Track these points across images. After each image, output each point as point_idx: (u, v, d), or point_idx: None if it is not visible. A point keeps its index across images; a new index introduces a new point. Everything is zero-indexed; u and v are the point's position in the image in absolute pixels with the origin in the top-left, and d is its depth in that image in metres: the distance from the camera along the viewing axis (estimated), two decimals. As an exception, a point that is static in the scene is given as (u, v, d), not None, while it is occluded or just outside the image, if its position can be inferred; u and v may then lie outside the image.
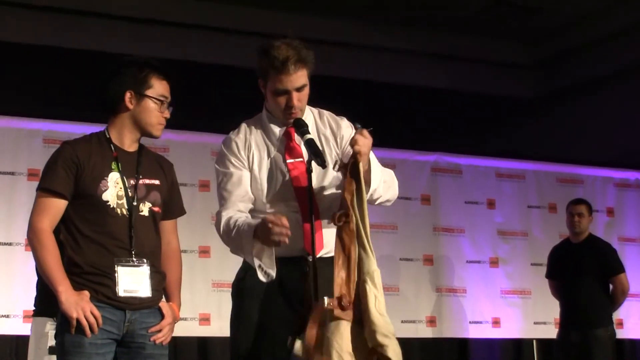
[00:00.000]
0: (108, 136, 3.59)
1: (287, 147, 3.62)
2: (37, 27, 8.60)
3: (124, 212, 3.51)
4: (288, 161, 3.60)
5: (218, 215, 3.61)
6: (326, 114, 3.74)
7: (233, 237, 3.48)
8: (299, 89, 3.54)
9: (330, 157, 3.63)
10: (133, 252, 3.51)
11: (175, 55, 8.99)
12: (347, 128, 3.70)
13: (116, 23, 8.88)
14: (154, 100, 3.57)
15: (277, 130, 3.64)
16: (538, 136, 10.55)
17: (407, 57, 9.99)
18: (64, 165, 3.51)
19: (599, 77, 10.04)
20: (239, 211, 3.58)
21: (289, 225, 3.31)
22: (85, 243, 3.48)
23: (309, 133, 3.52)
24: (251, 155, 3.64)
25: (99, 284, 3.45)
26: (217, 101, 8.65)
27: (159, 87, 3.58)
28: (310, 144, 3.47)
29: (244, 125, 3.73)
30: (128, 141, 3.61)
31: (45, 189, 3.50)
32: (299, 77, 3.52)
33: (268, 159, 3.63)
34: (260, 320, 3.57)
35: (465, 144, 9.41)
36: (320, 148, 3.57)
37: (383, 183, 3.59)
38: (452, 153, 8.54)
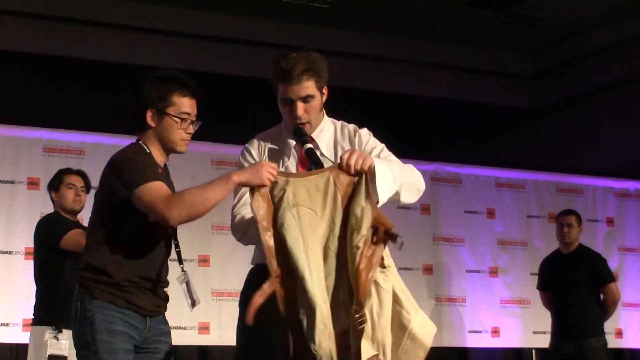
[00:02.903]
0: (149, 151, 3.57)
1: (300, 160, 3.61)
2: (38, 36, 8.62)
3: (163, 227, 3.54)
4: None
5: (233, 213, 3.60)
6: (349, 127, 3.71)
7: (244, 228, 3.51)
8: (304, 100, 3.52)
9: None
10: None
11: (177, 65, 8.99)
12: (365, 135, 3.68)
13: (118, 32, 8.91)
14: (174, 118, 3.54)
15: (292, 142, 3.63)
16: (538, 146, 10.57)
17: (408, 66, 10.01)
18: (149, 166, 3.44)
19: (599, 88, 10.06)
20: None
21: None
22: (133, 255, 3.47)
23: (309, 142, 3.51)
24: (265, 159, 3.66)
25: (132, 294, 3.47)
26: (218, 111, 8.64)
27: (180, 104, 3.55)
28: (310, 152, 3.46)
29: (256, 138, 3.74)
30: (160, 157, 3.61)
31: (151, 180, 3.34)
32: (304, 88, 3.50)
33: (279, 163, 3.63)
34: (258, 328, 3.57)
35: (466, 153, 9.42)
36: (333, 159, 3.57)
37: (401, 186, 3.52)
38: (452, 162, 8.54)
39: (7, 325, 6.69)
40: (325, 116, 3.71)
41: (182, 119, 3.56)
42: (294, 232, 3.20)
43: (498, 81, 10.61)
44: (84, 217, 5.40)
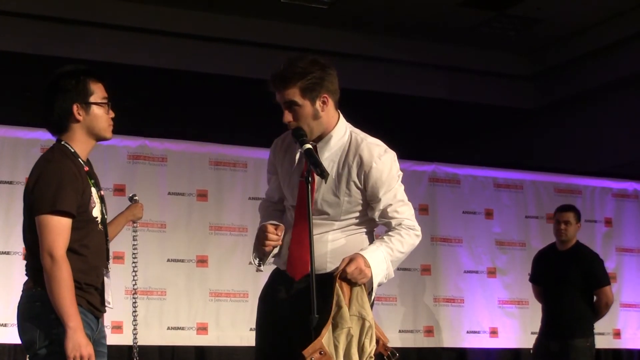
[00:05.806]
0: (73, 150, 3.57)
1: (303, 172, 3.59)
2: (35, 36, 8.62)
3: (100, 226, 3.58)
4: (300, 178, 3.59)
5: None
6: (366, 153, 3.60)
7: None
8: (288, 106, 3.51)
9: (347, 189, 3.58)
10: (107, 264, 3.62)
11: (174, 65, 9.01)
12: (379, 173, 3.60)
13: (115, 33, 8.90)
14: (100, 104, 3.59)
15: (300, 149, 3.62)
16: (536, 146, 10.57)
17: (406, 67, 10.02)
18: (71, 184, 3.44)
19: (597, 88, 10.06)
20: (271, 196, 3.84)
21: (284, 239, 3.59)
22: (80, 260, 3.48)
23: (308, 142, 3.49)
24: (280, 161, 3.73)
25: (91, 295, 3.51)
26: (216, 111, 8.67)
27: (98, 91, 3.61)
28: (309, 153, 3.45)
29: (277, 140, 3.81)
30: (85, 152, 3.62)
31: (59, 211, 3.39)
32: (284, 94, 3.50)
33: (291, 167, 3.66)
34: (265, 326, 3.66)
35: (464, 154, 9.42)
36: (335, 173, 3.56)
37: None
38: (450, 163, 8.54)
39: (5, 325, 6.69)
40: (341, 126, 3.63)
41: (106, 104, 3.61)
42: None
43: (496, 82, 10.61)
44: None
